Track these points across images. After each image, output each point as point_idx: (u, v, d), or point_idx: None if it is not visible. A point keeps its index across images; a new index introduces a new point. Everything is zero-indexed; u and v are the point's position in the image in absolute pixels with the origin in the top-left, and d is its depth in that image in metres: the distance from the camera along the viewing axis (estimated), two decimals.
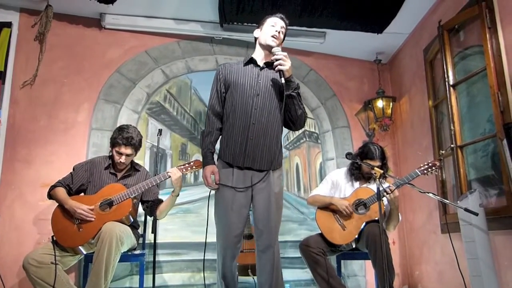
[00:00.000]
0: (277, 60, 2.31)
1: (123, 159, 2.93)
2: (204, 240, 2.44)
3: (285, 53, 2.34)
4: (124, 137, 2.91)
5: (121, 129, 2.97)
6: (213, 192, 2.41)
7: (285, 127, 2.51)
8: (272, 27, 2.44)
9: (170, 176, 2.87)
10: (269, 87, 2.39)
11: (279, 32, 2.42)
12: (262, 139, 2.33)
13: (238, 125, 2.35)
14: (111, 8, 3.70)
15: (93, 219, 2.71)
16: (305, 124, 2.49)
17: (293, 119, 2.43)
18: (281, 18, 2.49)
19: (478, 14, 2.91)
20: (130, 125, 3.07)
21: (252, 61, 2.48)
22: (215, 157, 2.45)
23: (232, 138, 2.35)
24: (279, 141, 2.41)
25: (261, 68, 2.46)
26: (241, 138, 2.33)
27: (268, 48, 2.41)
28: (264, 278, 2.32)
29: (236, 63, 2.54)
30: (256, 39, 2.53)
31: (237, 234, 2.33)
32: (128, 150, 2.94)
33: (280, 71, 2.30)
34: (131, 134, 2.95)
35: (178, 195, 2.92)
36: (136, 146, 2.99)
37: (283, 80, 2.29)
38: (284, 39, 2.52)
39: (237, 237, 2.34)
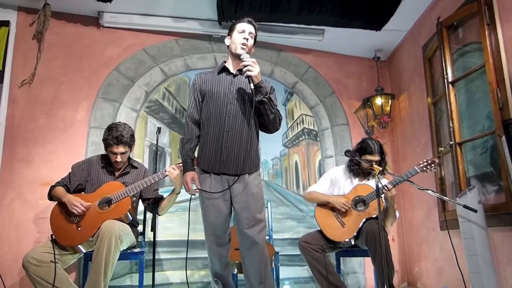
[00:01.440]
0: (245, 66, 2.30)
1: (118, 158, 2.91)
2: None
3: (253, 59, 2.33)
4: (114, 136, 2.87)
5: (110, 128, 2.92)
6: (194, 197, 2.51)
7: (261, 131, 2.54)
8: (240, 34, 2.44)
9: (167, 175, 2.87)
10: (242, 94, 2.42)
11: (247, 39, 2.42)
12: (237, 146, 2.37)
13: (213, 133, 2.40)
14: (109, 6, 3.69)
15: (80, 211, 2.69)
16: (280, 125, 2.51)
17: (265, 123, 2.46)
18: (249, 22, 2.48)
19: (477, 11, 2.91)
20: (120, 122, 3.00)
21: (225, 69, 2.51)
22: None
23: (207, 145, 2.40)
24: (253, 146, 2.44)
25: (234, 76, 2.48)
26: (216, 146, 2.38)
27: (238, 57, 2.40)
28: (253, 273, 2.35)
29: (210, 72, 2.58)
30: (228, 46, 2.53)
31: (221, 235, 2.41)
32: (121, 149, 2.90)
33: (248, 77, 2.30)
34: (121, 132, 2.89)
35: (179, 192, 2.94)
36: (129, 143, 2.93)
37: (252, 86, 2.29)
38: (254, 43, 2.52)
39: (221, 238, 2.41)
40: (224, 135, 2.37)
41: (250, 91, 2.32)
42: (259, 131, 2.53)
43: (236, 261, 3.04)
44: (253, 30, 2.48)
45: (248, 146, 2.39)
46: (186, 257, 2.73)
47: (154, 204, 3.01)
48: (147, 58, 4.05)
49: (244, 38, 2.41)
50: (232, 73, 2.49)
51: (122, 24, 3.95)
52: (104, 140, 2.92)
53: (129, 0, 3.72)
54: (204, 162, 2.41)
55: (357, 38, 4.14)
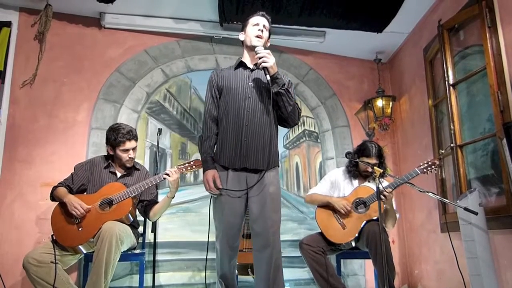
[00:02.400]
0: (260, 58, 2.30)
1: (131, 154, 2.95)
2: (206, 240, 2.46)
3: (268, 51, 2.33)
4: (125, 132, 2.92)
5: (115, 128, 2.96)
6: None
7: (280, 125, 2.51)
8: (255, 27, 2.45)
9: (166, 178, 2.86)
10: (260, 88, 2.41)
11: (262, 31, 2.43)
12: (256, 140, 2.35)
13: (232, 128, 2.37)
14: (111, 7, 3.69)
15: (79, 213, 2.69)
16: (300, 119, 2.48)
17: (284, 116, 2.42)
18: (263, 16, 2.50)
19: (478, 13, 2.91)
20: (118, 122, 3.09)
21: (241, 64, 2.50)
22: None
23: (227, 141, 2.37)
24: (273, 141, 2.42)
25: (251, 70, 2.47)
26: (235, 140, 2.35)
27: (253, 49, 2.39)
28: (260, 276, 2.32)
29: (227, 68, 2.57)
30: (242, 42, 2.55)
31: (234, 236, 2.37)
32: (133, 143, 2.96)
33: (264, 68, 2.30)
34: (128, 128, 2.97)
35: (173, 197, 2.93)
36: (137, 137, 3.03)
37: (268, 77, 2.29)
38: (269, 36, 2.54)
39: (234, 239, 2.38)
40: (243, 129, 2.34)
41: (267, 83, 2.31)
42: (278, 126, 2.50)
43: (238, 263, 3.04)
44: (266, 24, 2.49)
45: (267, 140, 2.37)
46: (206, 258, 2.66)
47: (147, 207, 3.00)
48: (148, 59, 4.06)
49: (259, 30, 2.42)
50: (249, 68, 2.48)
51: (123, 25, 3.95)
52: (113, 140, 2.92)
53: (130, 1, 3.72)
54: (224, 158, 2.37)
55: (358, 40, 4.14)
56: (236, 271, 3.04)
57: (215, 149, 2.45)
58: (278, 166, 2.47)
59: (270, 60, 2.29)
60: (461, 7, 3.15)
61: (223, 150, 2.38)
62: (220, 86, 2.48)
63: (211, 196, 2.44)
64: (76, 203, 2.71)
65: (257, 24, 2.45)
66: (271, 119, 2.40)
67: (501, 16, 2.74)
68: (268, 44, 2.53)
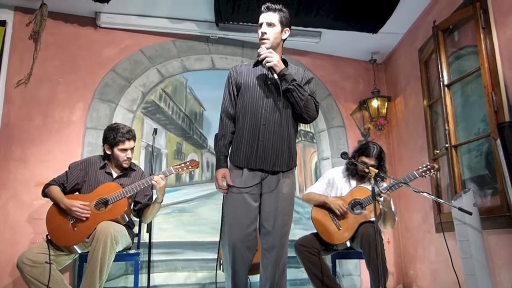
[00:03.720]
0: (263, 59, 2.27)
1: (129, 154, 2.95)
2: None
3: (270, 50, 2.28)
4: (124, 132, 2.92)
5: (114, 128, 2.96)
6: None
7: (299, 122, 2.43)
8: (259, 30, 2.37)
9: (153, 184, 2.85)
10: (277, 86, 2.32)
11: (263, 33, 2.32)
12: (274, 140, 2.28)
13: (249, 127, 2.30)
14: (106, 7, 3.68)
15: (88, 215, 2.70)
16: (318, 112, 2.37)
17: (298, 111, 2.32)
18: (267, 9, 2.36)
19: (472, 14, 2.92)
20: (116, 122, 3.10)
21: (261, 62, 2.39)
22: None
23: (243, 140, 2.31)
24: (291, 141, 2.34)
25: (272, 74, 2.37)
26: (251, 140, 2.29)
27: None
28: (265, 277, 2.29)
29: (246, 65, 2.49)
30: None
31: (251, 236, 2.26)
32: (132, 143, 2.97)
33: (270, 68, 2.26)
34: (127, 128, 2.98)
35: (161, 202, 2.93)
36: (136, 137, 3.03)
37: (276, 76, 2.25)
38: (286, 25, 2.39)
39: (251, 239, 2.26)
40: (260, 129, 2.28)
41: (276, 81, 2.26)
42: (297, 123, 2.42)
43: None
44: (270, 18, 2.33)
45: (285, 141, 2.31)
46: (218, 258, 2.57)
47: (140, 209, 3.00)
48: (144, 59, 4.05)
49: (261, 32, 2.34)
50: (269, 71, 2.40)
51: (119, 24, 3.94)
52: (112, 139, 2.91)
53: (126, 1, 3.72)
54: (239, 157, 2.30)
55: (354, 40, 4.15)
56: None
57: (230, 148, 2.38)
58: (295, 167, 2.40)
59: (273, 59, 2.24)
60: (456, 8, 3.17)
61: (239, 149, 2.31)
62: (239, 83, 2.39)
63: (223, 196, 2.38)
64: (75, 207, 2.69)
65: (260, 26, 2.36)
66: (289, 119, 2.34)
67: (495, 17, 2.76)
68: (285, 35, 2.41)
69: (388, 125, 4.39)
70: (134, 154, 3.66)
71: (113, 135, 2.91)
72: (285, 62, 2.41)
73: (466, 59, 3.15)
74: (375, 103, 4.25)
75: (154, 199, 2.98)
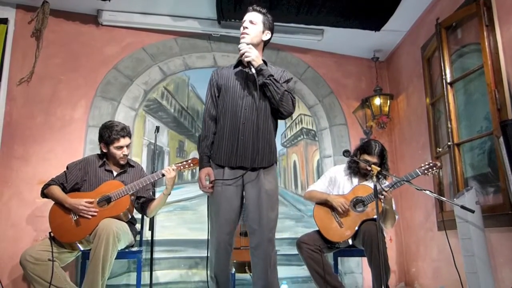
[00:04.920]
0: (242, 54, 2.36)
1: (125, 151, 2.96)
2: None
3: (250, 46, 2.38)
4: (119, 129, 2.93)
5: (109, 126, 2.96)
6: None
7: (277, 118, 2.50)
8: (242, 25, 2.47)
9: (164, 175, 2.87)
10: (256, 86, 2.39)
11: (244, 28, 2.43)
12: (253, 138, 2.36)
13: (229, 126, 2.39)
14: (108, 4, 3.68)
15: (95, 214, 2.71)
16: (295, 107, 2.46)
17: (275, 106, 2.40)
18: (252, 9, 2.48)
19: (475, 12, 2.91)
20: (111, 120, 3.13)
21: (240, 63, 2.51)
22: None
23: (224, 139, 2.39)
24: (271, 137, 2.43)
25: (250, 69, 2.46)
26: (232, 139, 2.37)
27: None
28: (257, 276, 2.32)
29: (227, 67, 2.59)
30: None
31: (232, 233, 2.35)
32: (127, 140, 2.97)
33: (249, 63, 2.35)
34: (122, 125, 2.99)
35: (169, 193, 2.94)
36: (131, 134, 3.05)
37: (253, 71, 2.34)
38: (268, 28, 2.50)
39: (232, 236, 2.36)
40: (240, 128, 2.36)
41: (253, 76, 2.34)
42: (276, 120, 2.50)
43: (234, 261, 3.04)
44: (254, 17, 2.46)
45: (266, 137, 2.38)
46: (207, 256, 2.60)
47: (144, 204, 3.00)
48: (146, 56, 4.05)
49: (243, 27, 2.44)
50: (248, 67, 2.47)
51: (121, 22, 3.94)
52: (106, 137, 2.92)
53: None
54: (221, 156, 2.38)
55: (356, 38, 4.14)
56: (234, 269, 3.05)
57: (212, 148, 2.45)
58: (276, 164, 2.47)
59: (252, 53, 2.35)
60: (459, 6, 3.15)
61: (220, 148, 2.39)
62: (220, 84, 2.49)
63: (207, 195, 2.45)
64: (82, 206, 2.71)
65: (244, 21, 2.47)
66: (268, 116, 2.42)
67: (499, 15, 2.74)
68: (265, 36, 2.50)
69: (390, 123, 4.38)
70: (136, 152, 3.68)
71: (108, 133, 2.92)
72: (265, 62, 2.49)
73: (469, 56, 3.14)
74: (377, 101, 4.24)
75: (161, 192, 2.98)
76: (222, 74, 2.53)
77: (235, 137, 2.36)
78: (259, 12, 2.49)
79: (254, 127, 2.36)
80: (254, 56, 2.35)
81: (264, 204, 2.31)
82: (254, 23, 2.45)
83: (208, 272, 2.43)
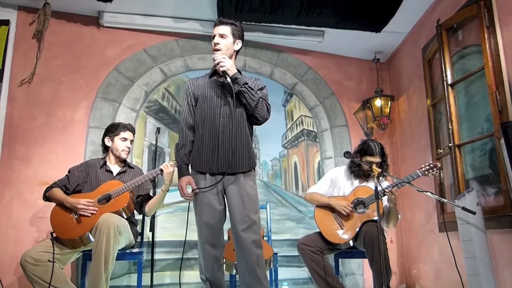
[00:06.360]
0: (217, 64, 2.41)
1: (128, 143, 3.07)
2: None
3: (224, 56, 2.42)
4: (125, 124, 3.10)
5: (114, 124, 3.13)
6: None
7: (253, 124, 2.55)
8: (212, 41, 2.52)
9: (162, 171, 2.90)
10: (233, 95, 2.44)
11: (215, 44, 2.47)
12: (233, 144, 2.41)
13: (208, 134, 2.43)
14: (110, 6, 3.69)
15: (95, 212, 2.73)
16: (270, 114, 2.51)
17: (251, 112, 2.45)
18: (219, 23, 2.52)
19: (476, 13, 2.91)
20: (115, 122, 3.23)
21: (216, 72, 2.54)
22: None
23: (203, 146, 2.43)
24: (249, 144, 2.48)
25: (226, 78, 2.50)
26: (212, 146, 2.41)
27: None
28: (245, 277, 2.35)
29: (202, 77, 2.63)
30: None
31: (216, 237, 2.40)
32: (132, 135, 3.11)
33: (224, 72, 2.40)
34: (127, 123, 3.15)
35: (168, 190, 2.96)
36: (135, 132, 3.18)
37: (229, 80, 2.39)
38: (239, 37, 2.55)
39: (216, 239, 2.40)
40: (219, 135, 2.41)
41: (229, 85, 2.40)
42: (252, 126, 2.56)
43: (235, 262, 3.03)
44: (223, 30, 2.49)
45: (244, 143, 2.44)
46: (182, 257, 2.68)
47: (142, 202, 3.03)
48: (147, 58, 4.05)
49: (214, 43, 2.50)
50: (224, 76, 2.52)
51: (122, 24, 3.95)
52: (112, 131, 3.05)
53: (129, 0, 3.72)
54: (202, 163, 2.42)
55: (357, 39, 4.14)
56: (235, 270, 3.05)
57: (191, 156, 2.49)
58: (254, 170, 2.50)
59: (226, 63, 2.39)
60: (460, 7, 3.16)
61: (200, 156, 2.43)
62: (196, 94, 2.54)
63: (189, 202, 2.51)
64: (80, 204, 2.73)
65: (214, 37, 2.50)
66: (245, 122, 2.47)
67: (500, 16, 2.75)
68: (237, 46, 2.55)
69: (391, 125, 4.38)
70: (137, 152, 3.68)
71: (113, 128, 3.08)
72: (238, 71, 2.53)
73: (470, 58, 3.14)
74: (378, 102, 4.24)
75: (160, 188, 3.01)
76: (198, 84, 2.56)
77: (216, 144, 2.41)
78: (226, 24, 2.52)
79: (233, 134, 2.42)
80: (229, 66, 2.40)
81: (247, 208, 2.35)
82: (224, 37, 2.49)
83: (199, 274, 2.48)
